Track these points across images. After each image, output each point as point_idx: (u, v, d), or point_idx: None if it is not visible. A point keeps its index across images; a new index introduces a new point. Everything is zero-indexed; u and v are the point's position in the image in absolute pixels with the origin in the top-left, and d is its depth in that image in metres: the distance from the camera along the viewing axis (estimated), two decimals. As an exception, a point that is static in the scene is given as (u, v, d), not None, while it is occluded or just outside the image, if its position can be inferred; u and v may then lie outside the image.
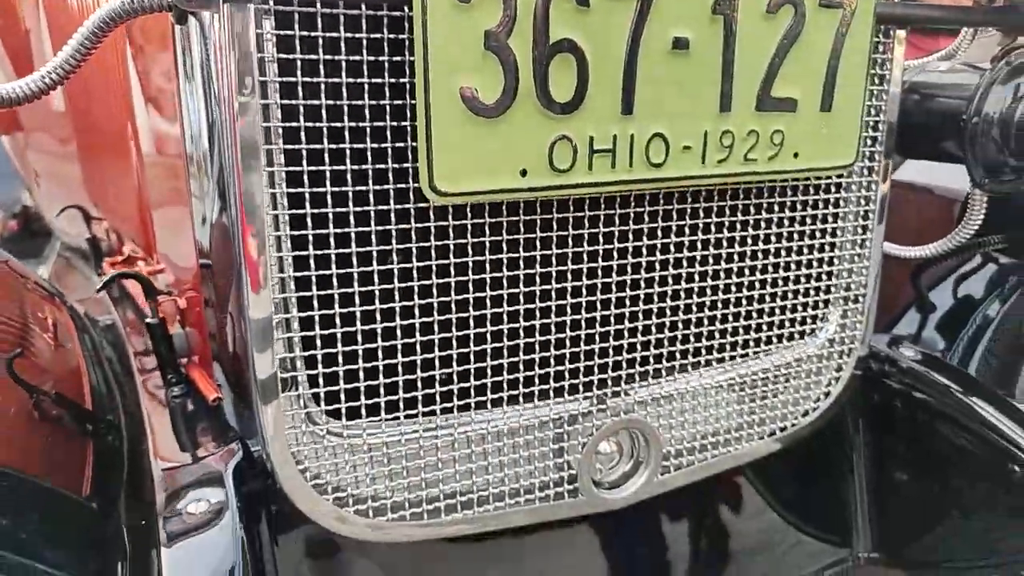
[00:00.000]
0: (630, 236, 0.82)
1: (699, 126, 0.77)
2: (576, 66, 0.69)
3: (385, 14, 0.66)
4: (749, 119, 0.80)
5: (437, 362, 0.77)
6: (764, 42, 0.78)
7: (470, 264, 0.75)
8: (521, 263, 0.77)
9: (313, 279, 0.69)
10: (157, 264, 1.09)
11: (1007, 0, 0.97)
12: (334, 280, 0.70)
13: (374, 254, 0.71)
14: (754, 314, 0.95)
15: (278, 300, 0.69)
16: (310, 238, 0.68)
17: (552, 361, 0.83)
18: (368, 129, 0.68)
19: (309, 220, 0.68)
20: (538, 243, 0.78)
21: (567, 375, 0.85)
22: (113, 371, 1.00)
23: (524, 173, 0.70)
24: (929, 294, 1.18)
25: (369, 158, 0.68)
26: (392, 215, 0.70)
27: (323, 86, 0.65)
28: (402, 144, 0.69)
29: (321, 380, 0.72)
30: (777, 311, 0.96)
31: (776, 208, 0.92)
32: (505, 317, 0.79)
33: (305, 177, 0.67)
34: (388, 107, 0.68)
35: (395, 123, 0.68)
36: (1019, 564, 0.98)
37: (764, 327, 0.96)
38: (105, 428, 0.84)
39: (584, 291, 0.82)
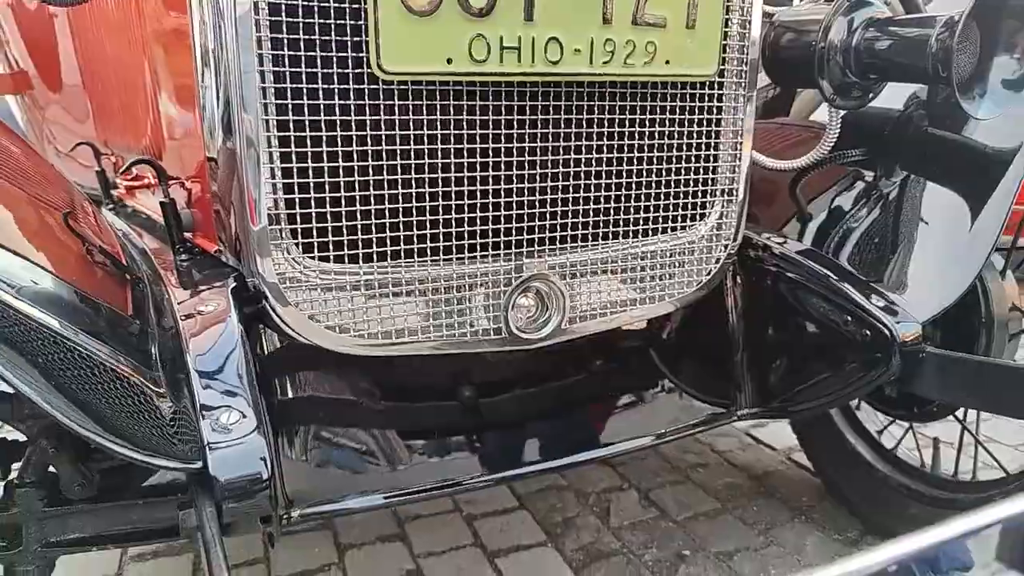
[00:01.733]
0: (547, 123, 1.07)
1: (586, 34, 1.01)
2: (488, -19, 0.94)
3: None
4: (627, 31, 1.04)
5: (387, 213, 1.01)
6: (637, -29, 1.03)
7: (411, 136, 0.99)
8: (452, 139, 1.02)
9: (292, 139, 0.93)
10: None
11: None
12: (308, 142, 0.94)
13: (338, 122, 0.95)
14: (647, 197, 1.19)
15: (266, 159, 0.93)
16: (290, 107, 0.92)
17: (478, 222, 1.07)
18: (332, 26, 0.92)
19: (289, 92, 0.91)
20: (464, 124, 1.02)
21: (491, 235, 1.09)
22: (131, 246, 1.23)
23: (450, 61, 0.94)
24: (800, 199, 1.43)
25: (334, 47, 0.92)
26: (351, 93, 0.94)
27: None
28: (358, 39, 0.93)
29: (298, 219, 0.96)
30: (666, 197, 1.21)
31: (661, 111, 1.16)
32: (440, 182, 1.03)
33: (286, 60, 0.91)
34: (347, 10, 0.92)
35: (353, 22, 0.92)
36: (852, 395, 1.23)
37: (658, 210, 1.21)
38: (134, 279, 1.08)
39: (503, 166, 1.06)
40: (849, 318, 1.18)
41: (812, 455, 2.11)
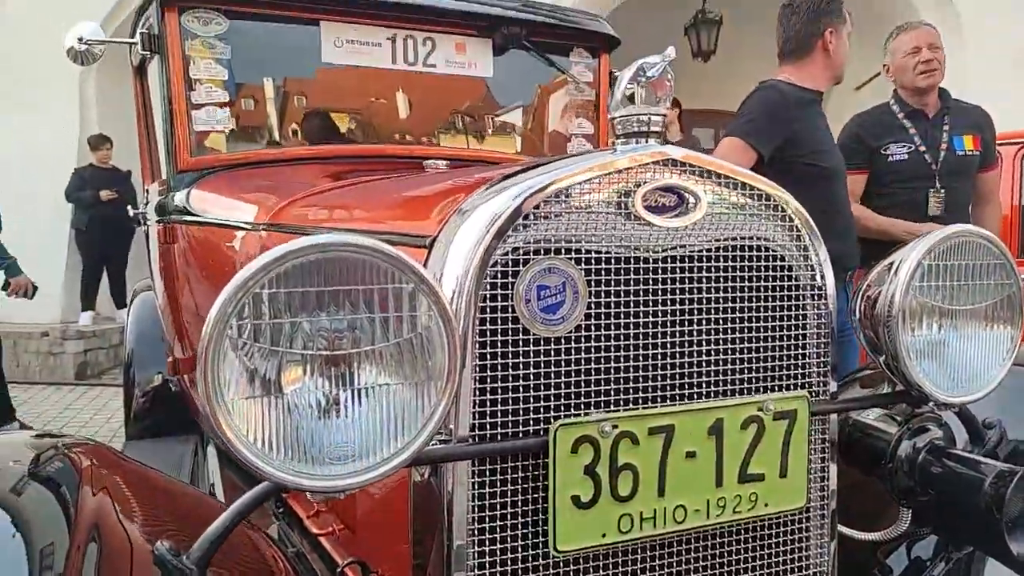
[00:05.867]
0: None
1: (704, 498, 1.32)
2: (632, 476, 1.26)
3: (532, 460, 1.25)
4: (735, 488, 1.35)
5: (551, 637, 1.30)
6: (741, 444, 1.34)
7: (572, 579, 1.30)
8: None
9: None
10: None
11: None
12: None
13: (519, 579, 1.26)
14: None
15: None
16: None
17: None
18: (519, 511, 1.25)
19: (487, 562, 1.24)
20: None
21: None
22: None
23: (604, 535, 1.26)
24: (884, 566, 1.67)
25: (519, 532, 1.25)
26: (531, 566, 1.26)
27: (498, 493, 1.23)
28: (538, 518, 1.26)
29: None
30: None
31: (760, 540, 1.45)
32: (591, 607, 1.32)
33: (487, 542, 1.23)
34: (530, 499, 1.25)
35: (537, 506, 1.25)
36: None
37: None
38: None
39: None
40: None
41: None
